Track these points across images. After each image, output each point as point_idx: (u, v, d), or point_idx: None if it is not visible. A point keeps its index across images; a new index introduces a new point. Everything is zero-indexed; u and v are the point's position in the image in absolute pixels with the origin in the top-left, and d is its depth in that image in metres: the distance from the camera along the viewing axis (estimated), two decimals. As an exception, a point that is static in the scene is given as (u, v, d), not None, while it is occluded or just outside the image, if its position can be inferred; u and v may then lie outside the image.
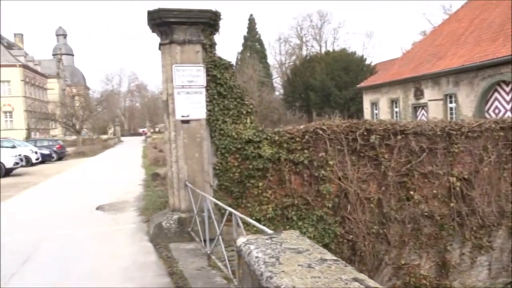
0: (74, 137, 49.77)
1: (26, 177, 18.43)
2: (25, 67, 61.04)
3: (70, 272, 5.77)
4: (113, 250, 6.65)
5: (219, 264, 5.64)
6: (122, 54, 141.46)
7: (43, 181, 16.50)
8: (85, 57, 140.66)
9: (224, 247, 5.40)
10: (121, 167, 22.10)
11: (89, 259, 6.32)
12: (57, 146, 30.42)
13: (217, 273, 5.61)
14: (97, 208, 10.14)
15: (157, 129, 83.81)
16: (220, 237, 5.44)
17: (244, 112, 7.98)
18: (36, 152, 25.17)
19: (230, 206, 5.97)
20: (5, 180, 17.10)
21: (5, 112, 58.26)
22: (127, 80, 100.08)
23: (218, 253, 6.54)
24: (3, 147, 22.95)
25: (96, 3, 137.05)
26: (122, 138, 72.77)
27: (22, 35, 73.62)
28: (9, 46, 64.06)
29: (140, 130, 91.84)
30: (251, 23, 60.53)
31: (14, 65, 58.60)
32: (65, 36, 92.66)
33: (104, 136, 64.96)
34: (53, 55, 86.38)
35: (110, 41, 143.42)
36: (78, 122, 47.51)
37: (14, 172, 19.46)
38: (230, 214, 4.96)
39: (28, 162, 22.70)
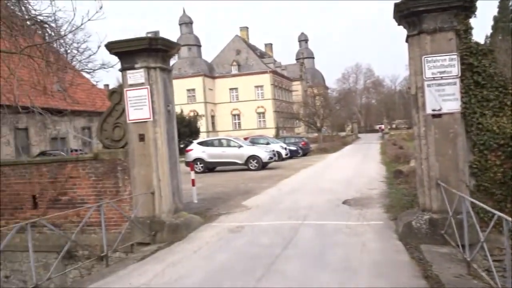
0: (315, 134, 53.32)
1: (278, 170, 20.72)
2: (274, 72, 68.69)
3: (324, 259, 6.15)
4: (362, 244, 6.77)
5: (483, 274, 5.05)
6: (358, 51, 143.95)
7: (293, 174, 18.26)
8: (324, 58, 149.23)
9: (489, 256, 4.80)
10: (361, 163, 22.48)
11: (340, 249, 6.61)
12: (302, 143, 33.17)
13: (479, 283, 5.04)
14: (344, 202, 10.54)
15: (394, 125, 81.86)
16: (484, 244, 4.86)
17: (509, 103, 6.93)
18: (285, 148, 28.05)
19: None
20: (262, 172, 19.66)
21: (259, 113, 66.88)
22: (363, 78, 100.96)
23: (478, 261, 5.88)
24: (259, 143, 26.47)
25: (335, 6, 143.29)
26: (359, 135, 73.96)
27: (271, 44, 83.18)
28: (261, 55, 73.19)
29: (377, 127, 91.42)
30: (503, 1, 52.49)
31: (266, 72, 66.65)
32: (306, 41, 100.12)
33: (342, 133, 67.38)
34: (296, 59, 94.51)
35: (346, 39, 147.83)
36: (319, 120, 50.67)
37: (269, 165, 22.13)
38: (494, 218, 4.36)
39: (279, 157, 25.46)
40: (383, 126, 74.92)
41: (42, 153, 23.37)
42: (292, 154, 29.47)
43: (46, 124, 22.49)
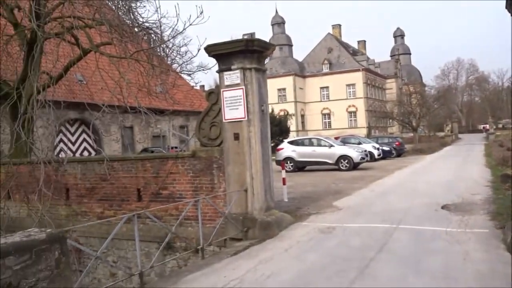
0: (410, 134, 50.85)
1: (370, 171, 20.11)
2: (367, 70, 66.72)
3: (421, 266, 5.86)
4: (465, 253, 6.33)
5: None
6: (460, 45, 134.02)
7: (386, 176, 17.61)
8: (421, 54, 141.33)
9: None
10: (462, 166, 20.96)
11: (439, 257, 6.24)
12: (396, 143, 31.79)
13: None
14: (443, 207, 9.92)
15: (500, 125, 75.01)
16: None
17: None
18: (378, 149, 27.12)
19: None
20: (354, 173, 19.22)
21: (350, 113, 65.41)
22: (465, 74, 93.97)
23: None
24: (350, 143, 25.90)
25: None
26: (460, 135, 68.98)
27: (364, 41, 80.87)
28: (354, 53, 71.49)
29: (480, 127, 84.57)
30: None
31: (358, 70, 64.98)
32: (402, 36, 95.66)
33: (441, 133, 63.33)
34: (391, 56, 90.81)
35: (446, 33, 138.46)
36: (414, 120, 48.22)
37: (360, 166, 21.57)
38: None
39: (371, 158, 24.69)
40: (487, 126, 69.16)
41: (145, 150, 25.21)
42: (385, 155, 28.40)
43: (149, 123, 24.19)
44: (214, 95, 8.97)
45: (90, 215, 10.72)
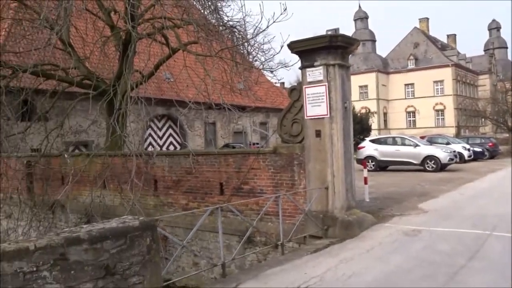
0: (505, 135, 46.85)
1: (460, 173, 18.85)
2: (457, 66, 62.64)
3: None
4: None
5: None
6: None
7: (478, 179, 16.39)
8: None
9: None
10: None
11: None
12: (490, 144, 29.45)
13: None
14: (544, 215, 9.01)
15: None
16: None
17: None
18: (468, 149, 25.32)
19: None
20: (441, 174, 18.15)
21: (438, 111, 61.86)
22: None
23: None
24: (438, 143, 24.49)
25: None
26: None
27: (455, 35, 75.89)
28: (443, 48, 67.40)
29: None
30: None
31: (447, 65, 61.19)
32: (498, 29, 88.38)
33: (542, 134, 57.52)
34: (485, 50, 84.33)
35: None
36: (510, 119, 44.35)
37: (448, 167, 20.31)
38: None
39: (461, 159, 23.13)
40: None
41: (226, 145, 25.94)
42: (477, 156, 26.42)
43: (231, 119, 24.84)
44: (296, 92, 8.96)
45: (175, 206, 11.26)
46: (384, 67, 65.58)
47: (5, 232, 14.40)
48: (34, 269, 3.67)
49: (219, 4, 11.79)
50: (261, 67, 12.32)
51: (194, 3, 13.20)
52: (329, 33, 8.13)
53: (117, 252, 4.34)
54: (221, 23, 11.72)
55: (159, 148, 23.54)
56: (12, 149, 13.19)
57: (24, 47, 14.67)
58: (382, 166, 21.13)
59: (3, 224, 15.03)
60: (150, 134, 24.76)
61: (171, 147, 26.11)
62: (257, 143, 29.03)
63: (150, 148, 22.94)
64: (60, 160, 13.62)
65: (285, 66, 11.20)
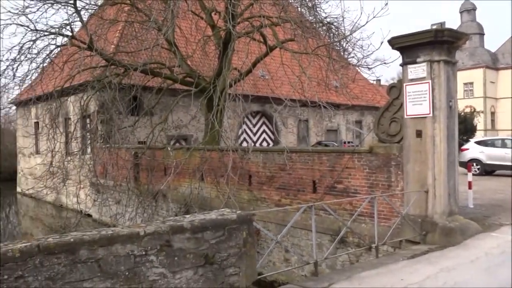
0: None
1: None
2: None
3: None
4: None
5: None
6: None
7: None
8: None
9: None
10: None
11: None
12: None
13: None
14: None
15: None
16: None
17: None
18: None
19: None
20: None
21: (557, 111, 55.19)
22: None
23: None
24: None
25: None
26: None
27: None
28: None
29: None
30: None
31: None
32: None
33: None
34: None
35: None
36: None
37: None
38: None
39: None
40: None
41: (318, 143, 25.76)
42: None
43: (325, 116, 24.61)
44: (395, 89, 8.60)
45: (268, 202, 11.47)
46: (493, 63, 60.05)
47: (114, 216, 15.83)
48: (143, 252, 4.00)
49: (317, 1, 11.73)
50: (358, 64, 12.02)
51: (291, 1, 13.28)
52: (434, 27, 7.59)
53: (216, 242, 4.56)
54: (318, 20, 11.65)
55: (253, 144, 24.12)
56: (122, 141, 14.43)
57: (134, 47, 15.95)
58: (488, 170, 19.42)
59: (112, 209, 16.54)
60: (244, 130, 25.46)
61: (264, 143, 26.59)
62: (351, 142, 28.40)
63: (244, 144, 23.61)
64: (163, 153, 14.61)
65: (384, 63, 10.81)
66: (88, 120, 18.01)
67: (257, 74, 23.35)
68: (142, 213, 14.06)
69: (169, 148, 13.77)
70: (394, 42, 8.21)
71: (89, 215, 18.46)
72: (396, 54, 8.51)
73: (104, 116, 14.93)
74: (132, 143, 15.71)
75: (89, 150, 17.35)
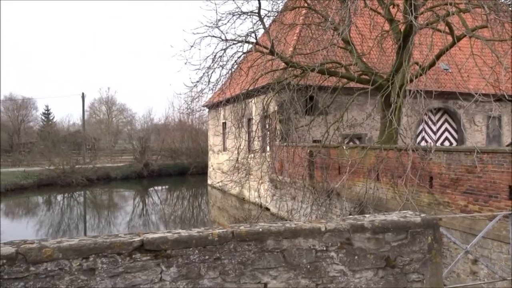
0: None
1: None
2: None
3: None
4: None
5: None
6: None
7: None
8: None
9: None
10: None
11: None
12: None
13: None
14: None
15: None
16: None
17: None
18: None
19: None
20: None
21: None
22: None
23: None
24: None
25: None
26: None
27: None
28: None
29: None
30: None
31: None
32: None
33: None
34: None
35: None
36: None
37: None
38: None
39: None
40: None
41: (515, 143, 22.43)
42: None
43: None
44: None
45: (452, 207, 10.50)
46: None
47: (290, 211, 16.59)
48: (324, 248, 4.08)
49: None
50: None
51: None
52: None
53: (397, 245, 4.37)
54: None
55: (432, 144, 22.37)
56: (299, 140, 15.00)
57: (311, 49, 16.40)
58: None
59: (288, 204, 17.36)
60: (423, 129, 23.80)
61: (446, 143, 24.40)
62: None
63: (423, 143, 22.09)
64: (337, 151, 14.69)
65: None
66: (268, 120, 19.27)
67: (439, 68, 21.56)
68: (316, 210, 14.39)
69: (344, 147, 13.77)
70: None
71: (268, 209, 19.74)
72: None
73: (283, 116, 15.74)
74: (307, 142, 16.20)
75: (268, 148, 18.54)
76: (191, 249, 3.54)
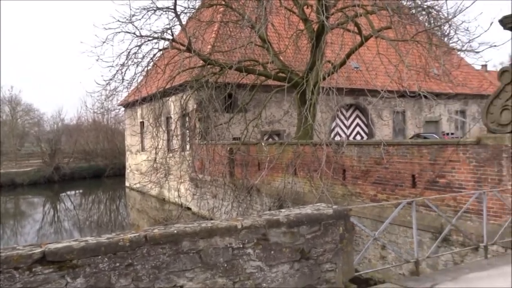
0: None
1: None
2: None
3: None
4: None
5: None
6: None
7: None
8: None
9: None
10: None
11: None
12: None
13: None
14: None
15: None
16: None
17: None
18: None
19: None
20: None
21: None
22: None
23: None
24: None
25: None
26: None
27: None
28: None
29: None
30: None
31: None
32: None
33: None
34: None
35: None
36: None
37: None
38: None
39: None
40: None
41: (417, 135, 24.38)
42: None
43: (422, 107, 23.25)
44: (507, 74, 7.80)
45: (363, 197, 11.13)
46: None
47: (211, 210, 16.54)
48: (241, 245, 4.10)
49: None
50: (462, 48, 11.09)
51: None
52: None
53: (311, 237, 4.52)
54: (417, 5, 10.96)
55: (346, 138, 23.59)
56: (219, 138, 14.99)
57: (229, 46, 16.44)
58: None
59: (210, 203, 17.30)
60: (337, 124, 25.00)
61: (358, 137, 25.86)
62: (453, 133, 26.47)
63: (337, 138, 23.19)
64: (256, 148, 14.90)
65: (494, 46, 9.82)
66: (187, 118, 19.01)
67: (350, 66, 22.76)
68: (237, 207, 14.50)
69: (263, 144, 14.01)
70: (506, 22, 7.46)
71: (189, 208, 19.51)
72: (507, 35, 7.72)
73: (202, 114, 15.62)
74: (227, 139, 16.24)
75: (188, 147, 18.31)
76: (100, 257, 3.36)
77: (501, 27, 7.58)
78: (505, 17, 7.46)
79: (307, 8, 14.20)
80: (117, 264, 3.45)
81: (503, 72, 8.02)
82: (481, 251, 6.85)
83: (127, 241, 3.53)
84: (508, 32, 7.63)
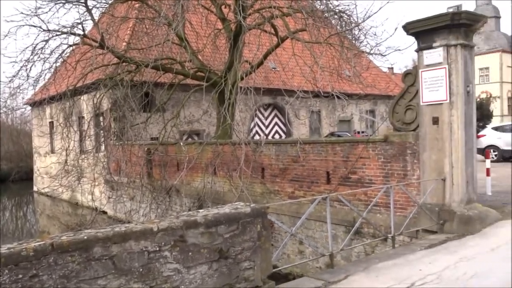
0: None
1: None
2: None
3: None
4: None
5: None
6: None
7: None
8: None
9: None
10: None
11: None
12: None
13: None
14: None
15: None
16: None
17: None
18: None
19: None
20: None
21: None
22: None
23: None
24: None
25: None
26: None
27: None
28: None
29: None
30: None
31: None
32: None
33: None
34: None
35: None
36: None
37: None
38: None
39: None
40: None
41: (331, 134, 25.55)
42: None
43: (336, 107, 24.40)
44: (411, 76, 8.42)
45: (281, 194, 11.40)
46: (510, 47, 58.75)
47: (129, 212, 15.94)
48: (157, 248, 3.96)
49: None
50: (371, 51, 11.84)
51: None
52: (451, 10, 7.40)
53: (230, 237, 4.51)
54: (330, 9, 11.48)
55: (265, 137, 24.05)
56: (135, 138, 14.48)
57: (145, 44, 15.94)
58: (506, 156, 19.05)
59: (127, 205, 16.65)
60: (256, 123, 25.38)
61: (276, 136, 26.49)
62: (364, 132, 28.13)
63: (256, 137, 23.53)
64: (175, 148, 14.63)
65: (398, 50, 10.59)
66: (101, 118, 18.12)
67: (268, 67, 23.21)
68: (156, 208, 14.12)
69: (181, 144, 13.78)
70: (409, 27, 8.03)
71: (104, 212, 18.63)
72: (411, 40, 8.34)
73: (117, 114, 14.99)
74: (145, 140, 15.75)
75: (103, 147, 17.47)
76: (-2, 269, 3.05)
77: (405, 33, 8.15)
78: (408, 23, 8.04)
79: (225, 7, 14.24)
80: (20, 276, 3.16)
81: (406, 74, 8.65)
82: (390, 242, 7.32)
83: (31, 250, 3.25)
84: (411, 37, 8.24)
